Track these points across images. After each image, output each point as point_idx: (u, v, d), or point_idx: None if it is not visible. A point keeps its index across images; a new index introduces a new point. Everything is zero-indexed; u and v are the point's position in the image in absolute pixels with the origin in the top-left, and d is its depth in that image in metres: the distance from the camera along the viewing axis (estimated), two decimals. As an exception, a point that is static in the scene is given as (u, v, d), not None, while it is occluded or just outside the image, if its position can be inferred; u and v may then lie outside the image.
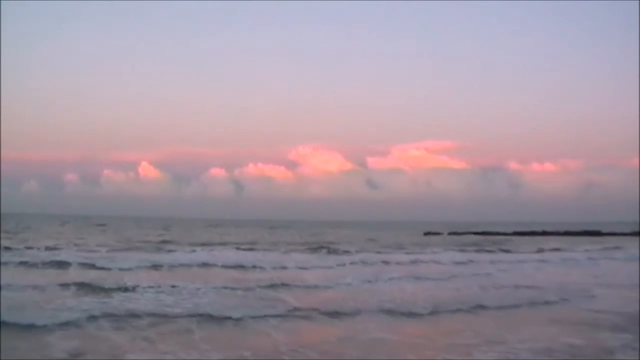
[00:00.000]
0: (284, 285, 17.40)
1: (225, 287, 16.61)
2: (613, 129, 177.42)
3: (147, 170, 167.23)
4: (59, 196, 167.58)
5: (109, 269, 21.22)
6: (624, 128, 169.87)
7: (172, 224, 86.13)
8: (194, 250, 31.61)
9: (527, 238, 62.52)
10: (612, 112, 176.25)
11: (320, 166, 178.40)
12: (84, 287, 16.11)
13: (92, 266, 21.99)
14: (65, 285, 16.29)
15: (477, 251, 37.12)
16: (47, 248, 30.90)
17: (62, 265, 22.23)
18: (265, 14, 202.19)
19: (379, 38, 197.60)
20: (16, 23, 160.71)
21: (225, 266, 23.47)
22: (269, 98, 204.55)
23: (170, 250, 31.48)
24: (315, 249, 36.61)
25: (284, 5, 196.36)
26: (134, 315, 12.06)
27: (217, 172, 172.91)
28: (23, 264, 22.31)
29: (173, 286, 16.37)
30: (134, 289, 15.90)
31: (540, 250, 38.20)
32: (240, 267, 23.41)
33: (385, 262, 27.11)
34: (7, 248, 29.44)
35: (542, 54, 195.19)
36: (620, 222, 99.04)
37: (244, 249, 34.69)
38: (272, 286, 17.07)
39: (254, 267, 23.48)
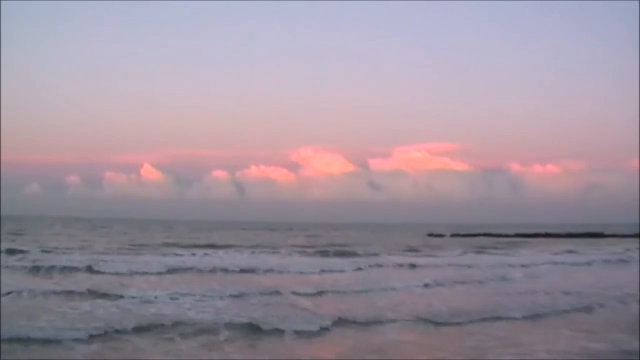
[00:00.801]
0: (323, 291, 16.83)
1: (249, 294, 15.94)
2: (614, 130, 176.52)
3: (148, 172, 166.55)
4: (60, 198, 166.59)
5: (121, 274, 20.68)
6: (624, 129, 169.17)
7: (174, 226, 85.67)
8: (205, 254, 31.02)
9: (541, 240, 62.08)
10: (613, 113, 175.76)
11: (322, 168, 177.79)
12: (99, 293, 15.50)
13: (104, 270, 21.39)
14: (79, 292, 15.68)
15: (492, 254, 36.51)
16: (55, 251, 30.39)
17: (74, 270, 21.53)
18: (267, 15, 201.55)
19: (381, 40, 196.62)
20: (16, 23, 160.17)
21: (239, 270, 22.73)
22: (270, 100, 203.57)
23: (178, 254, 30.91)
24: (324, 251, 35.96)
25: (285, 6, 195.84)
26: (159, 324, 11.40)
27: (219, 174, 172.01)
28: (33, 268, 21.66)
29: (189, 292, 15.75)
30: (152, 296, 15.23)
31: (559, 252, 37.41)
32: (252, 271, 22.77)
33: (400, 265, 26.60)
34: (13, 251, 28.88)
35: (543, 55, 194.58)
36: (621, 224, 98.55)
37: (252, 252, 34.12)
38: (296, 292, 16.38)
39: (267, 271, 22.88)
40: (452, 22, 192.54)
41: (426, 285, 18.84)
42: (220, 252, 32.91)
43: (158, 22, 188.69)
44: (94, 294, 15.39)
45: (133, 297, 14.91)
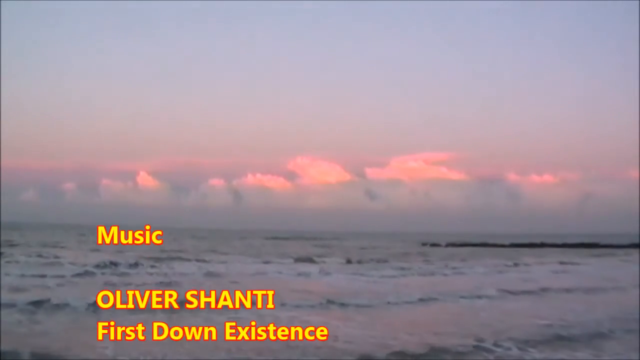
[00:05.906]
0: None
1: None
2: (612, 140, 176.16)
3: (145, 179, 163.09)
4: (56, 205, 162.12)
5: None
6: (623, 139, 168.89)
7: (173, 233, 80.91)
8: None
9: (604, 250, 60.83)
10: (612, 123, 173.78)
11: (319, 177, 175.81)
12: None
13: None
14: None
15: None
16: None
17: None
18: (264, 23, 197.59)
19: (378, 49, 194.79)
20: (16, 25, 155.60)
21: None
22: (267, 108, 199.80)
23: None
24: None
25: (283, 15, 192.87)
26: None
27: (216, 182, 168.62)
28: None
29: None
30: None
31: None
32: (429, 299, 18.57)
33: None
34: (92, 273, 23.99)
35: (540, 63, 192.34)
36: (618, 234, 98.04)
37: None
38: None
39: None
40: (449, 31, 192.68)
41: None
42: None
43: (156, 29, 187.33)
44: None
45: None
